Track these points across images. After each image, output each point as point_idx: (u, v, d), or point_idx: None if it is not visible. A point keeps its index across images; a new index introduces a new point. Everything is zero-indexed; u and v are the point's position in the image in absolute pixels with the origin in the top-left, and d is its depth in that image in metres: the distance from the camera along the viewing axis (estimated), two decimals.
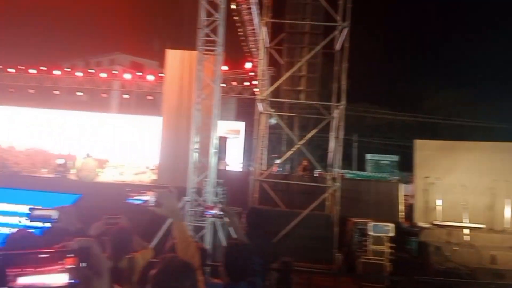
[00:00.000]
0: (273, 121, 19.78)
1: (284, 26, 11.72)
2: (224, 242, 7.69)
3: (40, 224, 3.69)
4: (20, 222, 9.69)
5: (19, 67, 21.82)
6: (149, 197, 2.53)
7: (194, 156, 8.06)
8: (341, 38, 11.10)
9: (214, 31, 8.00)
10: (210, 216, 3.42)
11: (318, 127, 11.80)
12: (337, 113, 11.28)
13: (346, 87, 10.87)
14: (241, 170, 18.06)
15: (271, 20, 11.84)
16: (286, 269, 3.86)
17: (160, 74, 20.43)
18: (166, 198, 2.45)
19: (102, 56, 32.51)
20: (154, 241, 7.07)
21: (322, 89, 11.86)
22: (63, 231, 2.62)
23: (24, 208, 9.70)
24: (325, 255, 9.72)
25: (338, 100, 11.08)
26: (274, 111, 12.24)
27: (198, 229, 8.08)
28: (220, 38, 7.95)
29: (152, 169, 14.28)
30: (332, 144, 11.86)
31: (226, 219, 3.66)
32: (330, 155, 12.05)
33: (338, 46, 11.45)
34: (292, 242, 9.37)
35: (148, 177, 13.77)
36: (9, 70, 21.77)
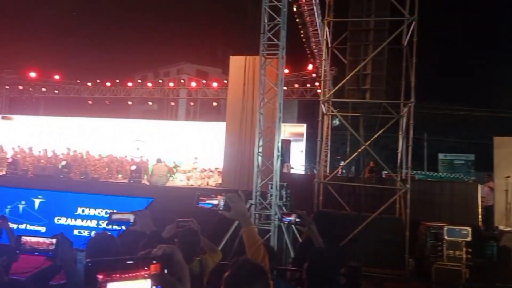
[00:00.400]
0: (336, 122, 19.38)
1: (347, 25, 11.44)
2: (290, 246, 7.65)
3: (117, 227, 3.92)
4: (99, 225, 10.47)
5: (97, 80, 23.63)
6: (218, 201, 2.54)
7: (258, 159, 8.13)
8: (409, 33, 10.61)
9: (276, 35, 8.03)
10: (287, 223, 3.35)
11: (386, 126, 11.34)
12: (406, 111, 10.76)
13: (415, 83, 10.35)
14: (304, 172, 17.90)
15: (334, 19, 11.63)
16: (355, 275, 3.71)
17: (225, 81, 20.96)
18: (234, 202, 2.45)
19: (170, 66, 34.11)
20: (222, 244, 7.21)
21: (389, 87, 11.38)
22: (139, 233, 2.75)
23: (103, 212, 10.45)
24: (395, 260, 9.30)
25: (407, 98, 10.57)
26: (338, 112, 11.97)
27: (263, 232, 8.13)
28: (282, 41, 7.97)
29: (217, 173, 14.66)
30: (401, 144, 11.33)
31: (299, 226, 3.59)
32: (399, 155, 11.52)
33: (406, 41, 10.96)
34: (360, 246, 9.07)
35: (214, 181, 14.14)
36: (88, 84, 23.65)
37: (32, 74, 23.58)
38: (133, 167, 12.84)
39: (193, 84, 23.05)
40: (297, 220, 3.38)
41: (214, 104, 23.55)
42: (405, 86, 11.08)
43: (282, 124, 8.46)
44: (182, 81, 24.16)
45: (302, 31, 15.76)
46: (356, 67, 10.42)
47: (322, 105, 11.32)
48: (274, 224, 7.75)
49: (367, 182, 11.60)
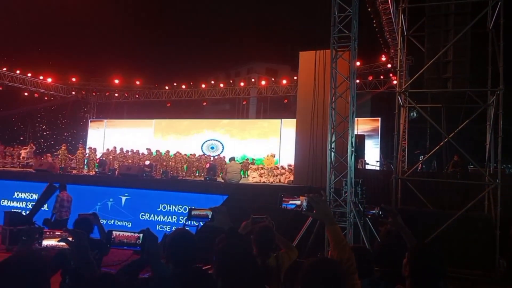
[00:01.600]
0: (414, 114, 18.31)
1: (424, 10, 10.74)
2: (367, 243, 7.38)
3: (195, 223, 4.07)
4: (179, 221, 11.01)
5: (173, 84, 24.88)
6: (301, 201, 2.61)
7: (331, 155, 7.95)
8: (494, 15, 9.69)
9: (346, 26, 7.79)
10: (371, 216, 3.24)
11: (471, 117, 10.46)
12: (494, 100, 9.84)
13: (503, 69, 9.42)
14: (380, 168, 17.20)
15: (410, 5, 11.00)
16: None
17: (295, 78, 20.88)
18: (318, 202, 2.46)
19: (240, 67, 34.81)
20: (296, 241, 7.17)
21: (473, 74, 10.47)
22: (216, 229, 2.81)
23: (182, 208, 10.95)
24: (485, 261, 8.60)
25: (495, 85, 9.66)
26: (416, 104, 11.30)
27: None
28: (353, 32, 7.72)
29: (289, 170, 14.64)
30: (489, 135, 10.39)
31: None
32: (487, 148, 10.57)
33: (491, 24, 10.01)
34: (444, 245, 8.48)
35: (286, 178, 14.15)
36: (166, 87, 25.00)
37: (116, 81, 25.49)
38: (209, 166, 13.31)
39: (263, 82, 23.29)
40: (381, 213, 3.22)
41: (285, 101, 23.58)
42: (492, 73, 10.13)
43: (355, 119, 8.18)
44: (253, 80, 24.52)
45: (374, 21, 15.13)
46: (436, 55, 9.74)
47: (399, 97, 10.77)
48: (349, 222, 7.54)
49: (450, 177, 10.82)
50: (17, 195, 12.87)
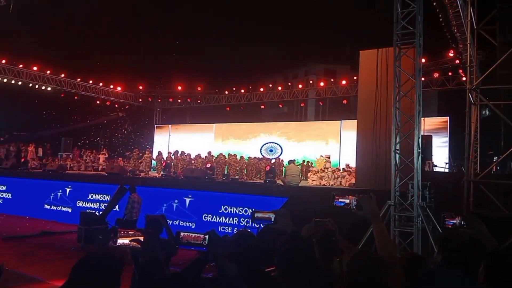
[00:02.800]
0: (486, 112, 17.04)
1: (495, 2, 10.00)
2: (436, 250, 6.98)
3: (256, 225, 4.11)
4: (240, 222, 11.18)
5: (232, 88, 25.40)
6: (350, 200, 2.80)
7: (396, 157, 7.64)
8: None
9: (410, 22, 7.47)
10: (451, 226, 3.15)
11: None
12: None
13: None
14: (449, 170, 16.21)
15: None
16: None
17: (354, 78, 20.39)
18: (366, 202, 2.67)
19: (298, 69, 34.66)
20: (360, 245, 6.97)
21: None
22: (278, 232, 2.81)
23: (243, 210, 11.10)
24: None
25: None
26: (488, 101, 10.52)
27: (404, 235, 7.60)
28: (418, 28, 7.37)
29: (348, 172, 14.29)
30: None
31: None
32: None
33: None
34: None
35: (347, 181, 13.82)
36: (225, 92, 25.59)
37: (179, 88, 26.55)
38: (268, 168, 13.38)
39: (322, 84, 22.99)
40: (463, 222, 3.09)
41: (344, 102, 23.09)
42: None
43: (422, 118, 7.79)
44: (311, 81, 24.30)
45: (440, 15, 14.31)
46: (510, 49, 9.01)
47: (469, 94, 10.10)
48: (417, 227, 7.18)
49: None
50: (91, 196, 13.84)
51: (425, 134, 11.72)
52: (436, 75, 19.01)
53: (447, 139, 17.70)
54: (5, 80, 21.95)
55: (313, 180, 14.72)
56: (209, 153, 18.80)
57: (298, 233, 2.82)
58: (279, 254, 2.26)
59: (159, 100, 28.15)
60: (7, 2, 13.19)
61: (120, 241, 2.20)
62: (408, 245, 7.46)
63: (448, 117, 18.16)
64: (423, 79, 17.23)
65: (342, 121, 19.92)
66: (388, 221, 7.52)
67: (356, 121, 11.80)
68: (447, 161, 16.89)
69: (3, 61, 21.72)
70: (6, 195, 15.80)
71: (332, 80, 23.05)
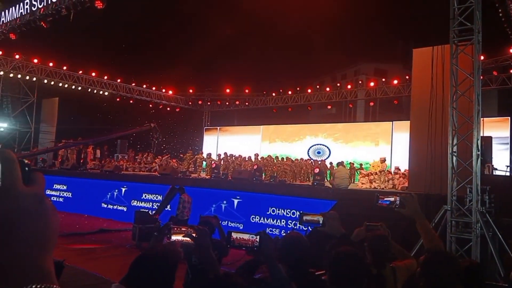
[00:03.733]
0: None
1: None
2: (497, 258, 6.57)
3: (304, 228, 4.08)
4: (288, 225, 11.14)
5: (280, 90, 25.43)
6: (393, 199, 2.90)
7: (453, 160, 7.27)
8: None
9: (468, 18, 7.10)
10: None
11: None
12: None
13: None
14: (510, 174, 15.16)
15: None
16: None
17: (407, 77, 19.70)
18: (408, 201, 2.78)
19: (347, 69, 34.04)
20: (414, 250, 6.70)
21: None
22: (327, 235, 2.78)
23: (290, 213, 11.06)
24: None
25: None
26: None
27: (461, 242, 7.21)
28: (476, 24, 6.99)
29: (400, 175, 13.80)
30: None
31: None
32: None
33: None
34: None
35: (400, 184, 13.35)
36: (272, 94, 25.68)
37: (227, 90, 27.01)
38: (317, 170, 13.24)
39: (372, 84, 22.40)
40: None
41: (395, 102, 22.35)
42: None
43: (481, 119, 7.36)
44: (360, 82, 23.77)
45: (500, 9, 13.48)
46: None
47: None
48: (475, 233, 6.79)
49: None
50: (145, 196, 14.41)
51: (484, 135, 11.07)
52: (495, 73, 17.91)
53: (508, 140, 16.59)
54: (66, 85, 23.47)
55: (362, 183, 14.37)
56: (256, 155, 18.92)
57: (347, 236, 2.77)
58: (329, 258, 2.23)
59: (208, 103, 28.79)
60: (68, 12, 14.09)
61: (174, 237, 2.28)
62: (466, 252, 7.06)
63: (509, 117, 17.01)
64: (481, 77, 16.32)
65: (393, 122, 19.28)
66: (444, 226, 7.17)
67: (408, 122, 11.38)
68: (508, 164, 15.80)
69: (64, 68, 23.23)
70: (66, 194, 16.84)
71: (383, 79, 22.39)
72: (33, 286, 0.54)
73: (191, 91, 27.93)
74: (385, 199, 3.02)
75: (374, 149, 18.82)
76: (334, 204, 10.19)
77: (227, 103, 28.09)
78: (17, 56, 21.76)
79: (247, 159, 18.77)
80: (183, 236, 2.30)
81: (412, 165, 10.75)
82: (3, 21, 16.36)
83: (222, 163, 18.73)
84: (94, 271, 7.64)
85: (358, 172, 16.00)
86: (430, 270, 2.20)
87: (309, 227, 4.11)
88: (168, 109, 28.54)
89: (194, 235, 2.20)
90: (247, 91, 26.66)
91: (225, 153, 19.74)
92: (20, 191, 0.58)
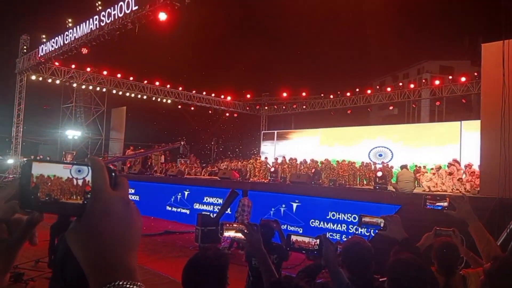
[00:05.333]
0: None
1: None
2: None
3: (366, 233, 3.96)
4: (349, 230, 10.88)
5: (338, 92, 24.99)
6: (446, 204, 2.78)
7: None
8: None
9: None
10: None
11: None
12: None
13: None
14: None
15: None
16: None
17: (475, 74, 18.49)
18: (459, 202, 2.64)
19: (409, 67, 32.64)
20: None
21: None
22: (390, 239, 2.68)
23: (351, 217, 10.81)
24: None
25: None
26: None
27: None
28: None
29: (470, 178, 12.90)
30: None
31: None
32: None
33: None
34: None
35: (469, 186, 12.49)
36: (330, 96, 25.30)
37: (284, 94, 27.06)
38: (379, 174, 12.81)
39: (437, 82, 21.27)
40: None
41: (463, 101, 21.03)
42: None
43: None
44: (424, 80, 22.67)
45: None
46: None
47: None
48: None
49: None
50: (206, 199, 14.83)
51: None
52: None
53: None
54: (132, 95, 24.90)
55: (427, 187, 13.63)
56: (312, 160, 18.65)
57: (409, 241, 2.64)
58: (390, 265, 2.15)
59: (265, 108, 29.03)
60: (133, 25, 14.96)
61: (226, 233, 2.34)
62: None
63: None
64: None
65: (462, 121, 18.12)
66: None
67: (479, 121, 10.65)
68: None
69: (131, 78, 24.68)
70: (134, 198, 17.80)
71: (449, 77, 21.17)
72: (120, 282, 0.59)
73: (248, 96, 28.36)
74: (436, 204, 2.90)
75: (441, 151, 17.80)
76: (398, 209, 9.79)
77: (284, 107, 28.13)
78: (88, 69, 23.50)
79: (305, 162, 18.62)
80: (235, 232, 2.35)
81: (483, 167, 10.05)
82: (75, 36, 17.75)
83: (280, 167, 18.76)
84: (160, 270, 7.99)
85: (421, 175, 15.21)
86: (496, 280, 2.01)
87: (371, 232, 3.98)
88: (227, 114, 29.20)
89: (245, 231, 2.23)
90: (304, 94, 26.51)
91: (283, 157, 19.76)
92: (109, 195, 0.63)
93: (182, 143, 21.84)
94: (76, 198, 0.63)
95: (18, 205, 0.64)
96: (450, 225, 3.20)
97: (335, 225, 11.19)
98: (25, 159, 22.78)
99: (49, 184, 0.62)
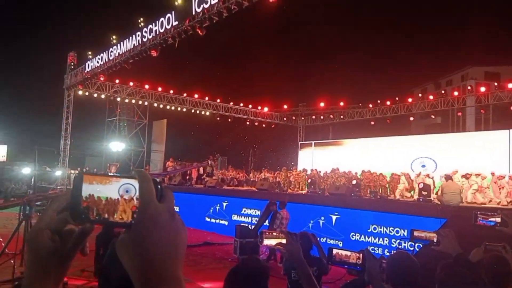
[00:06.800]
0: None
1: None
2: None
3: (410, 248, 3.80)
4: (391, 244, 10.51)
5: (377, 101, 24.46)
6: (497, 218, 2.62)
7: None
8: None
9: None
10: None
11: None
12: None
13: None
14: None
15: None
16: None
17: None
18: (511, 218, 2.50)
19: (452, 74, 31.48)
20: None
21: None
22: (442, 254, 2.56)
23: (394, 231, 10.45)
24: None
25: None
26: None
27: None
28: None
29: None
30: None
31: None
32: None
33: None
34: None
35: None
36: (369, 105, 24.79)
37: (322, 104, 26.82)
38: (421, 185, 12.34)
39: (482, 89, 20.35)
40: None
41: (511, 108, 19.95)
42: None
43: None
44: (469, 87, 21.76)
45: None
46: None
47: None
48: None
49: None
50: (244, 211, 14.85)
51: None
52: None
53: None
54: (173, 107, 25.58)
55: (473, 198, 12.97)
56: (349, 172, 18.28)
57: (464, 256, 2.51)
58: (440, 279, 2.04)
59: (302, 118, 28.89)
60: (173, 40, 15.42)
61: (266, 241, 2.31)
62: None
63: None
64: None
65: (510, 130, 17.18)
66: None
67: None
68: None
69: (171, 91, 25.39)
70: (175, 209, 18.14)
71: (495, 83, 20.21)
72: None
73: (285, 106, 28.36)
74: (489, 219, 2.71)
75: (489, 161, 16.91)
76: (444, 222, 9.36)
77: (321, 117, 27.87)
78: (131, 83, 24.42)
79: (345, 174, 18.28)
80: (275, 240, 2.32)
81: None
82: (118, 52, 18.53)
83: (318, 178, 18.52)
84: (200, 282, 8.05)
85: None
86: None
87: (416, 247, 3.83)
88: (264, 125, 29.31)
89: (284, 240, 2.20)
90: (342, 103, 26.17)
91: (327, 170, 19.50)
92: (156, 207, 0.65)
93: (209, 162, 22.49)
94: (124, 217, 0.65)
95: (69, 217, 0.66)
96: (499, 240, 3.02)
97: (377, 239, 10.85)
98: (72, 171, 23.90)
99: (100, 205, 0.65)
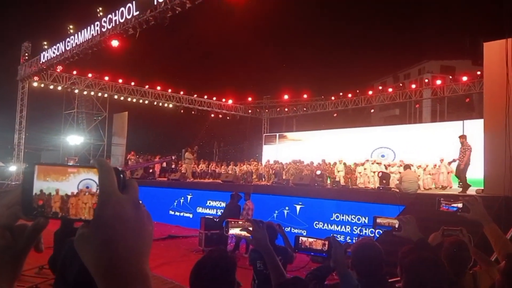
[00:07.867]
0: None
1: None
2: None
3: (370, 234, 3.92)
4: (353, 231, 10.82)
5: (339, 94, 24.95)
6: (461, 205, 2.70)
7: None
8: None
9: None
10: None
11: None
12: None
13: None
14: None
15: None
16: None
17: (478, 73, 18.45)
18: (473, 204, 2.58)
19: (410, 68, 32.62)
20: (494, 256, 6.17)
21: None
22: (403, 240, 2.64)
23: (355, 218, 10.74)
24: None
25: None
26: None
27: None
28: None
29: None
30: None
31: None
32: None
33: None
34: None
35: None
36: (332, 98, 25.26)
37: (285, 97, 27.04)
38: (380, 174, 12.76)
39: (438, 82, 21.23)
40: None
41: (466, 100, 20.97)
42: None
43: None
44: (426, 80, 22.64)
45: None
46: None
47: None
48: None
49: None
50: (209, 203, 14.78)
51: None
52: None
53: None
54: (134, 100, 24.92)
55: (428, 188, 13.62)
56: (323, 161, 18.54)
57: (425, 241, 2.60)
58: (405, 265, 2.10)
59: (267, 110, 29.02)
60: (134, 31, 14.98)
61: (231, 231, 2.30)
62: None
63: None
64: None
65: (464, 121, 18.07)
66: None
67: (482, 120, 10.60)
68: None
69: (132, 83, 24.71)
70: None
71: (450, 77, 21.18)
72: None
73: (250, 99, 28.36)
74: (452, 205, 2.85)
75: (444, 150, 17.72)
76: (403, 209, 9.73)
77: (286, 110, 28.12)
78: (89, 75, 23.54)
79: (307, 164, 18.56)
80: (240, 230, 2.32)
81: (488, 167, 9.97)
82: (76, 42, 17.79)
83: (282, 169, 18.71)
84: (164, 275, 7.94)
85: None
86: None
87: (376, 233, 3.95)
88: (228, 118, 29.20)
89: (250, 228, 2.19)
90: (305, 96, 26.49)
91: (293, 161, 19.70)
92: (118, 198, 0.59)
93: (173, 157, 22.32)
94: (84, 215, 0.60)
95: (21, 212, 0.61)
96: (456, 224, 3.16)
97: (340, 227, 11.14)
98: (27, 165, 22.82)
99: (56, 202, 0.59)
